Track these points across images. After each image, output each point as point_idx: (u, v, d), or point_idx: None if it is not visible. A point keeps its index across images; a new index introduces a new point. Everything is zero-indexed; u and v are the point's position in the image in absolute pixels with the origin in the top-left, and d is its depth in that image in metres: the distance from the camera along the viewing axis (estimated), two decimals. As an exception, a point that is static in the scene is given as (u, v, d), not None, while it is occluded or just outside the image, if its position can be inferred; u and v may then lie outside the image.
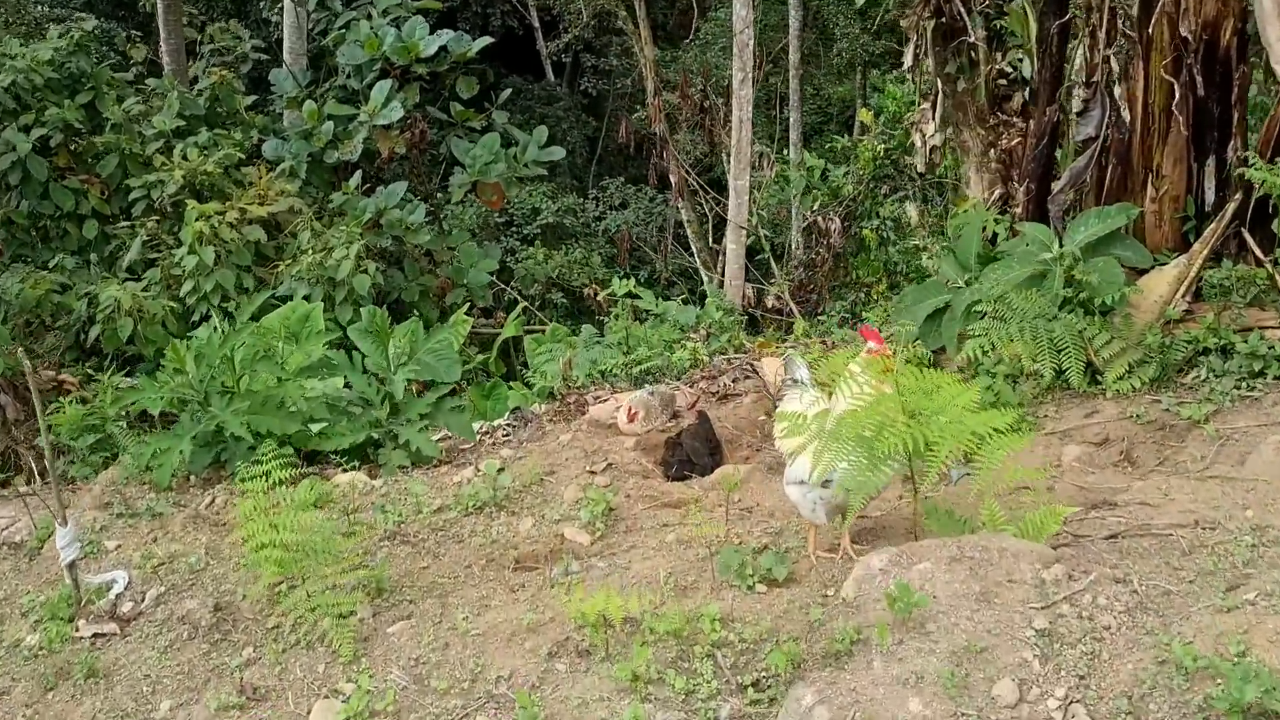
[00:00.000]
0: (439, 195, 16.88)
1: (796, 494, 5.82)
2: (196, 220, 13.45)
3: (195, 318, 13.71)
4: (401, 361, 8.69)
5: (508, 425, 10.21)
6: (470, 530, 7.05)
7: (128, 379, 13.26)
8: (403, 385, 8.46)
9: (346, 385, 8.96)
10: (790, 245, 18.68)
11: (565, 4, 24.04)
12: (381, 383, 8.56)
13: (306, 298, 13.59)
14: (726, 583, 5.77)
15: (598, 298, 14.12)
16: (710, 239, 22.42)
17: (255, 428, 8.12)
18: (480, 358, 15.04)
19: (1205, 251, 7.15)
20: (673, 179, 18.39)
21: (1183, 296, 7.11)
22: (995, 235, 8.33)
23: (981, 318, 7.42)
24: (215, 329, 9.40)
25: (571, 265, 20.64)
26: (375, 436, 8.60)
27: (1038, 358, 6.92)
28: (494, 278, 16.41)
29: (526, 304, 17.16)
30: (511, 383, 13.66)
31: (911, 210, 16.30)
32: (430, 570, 6.57)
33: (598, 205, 24.59)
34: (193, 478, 8.34)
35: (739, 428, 8.52)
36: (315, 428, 8.49)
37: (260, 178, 14.64)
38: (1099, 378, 7.08)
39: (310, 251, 13.94)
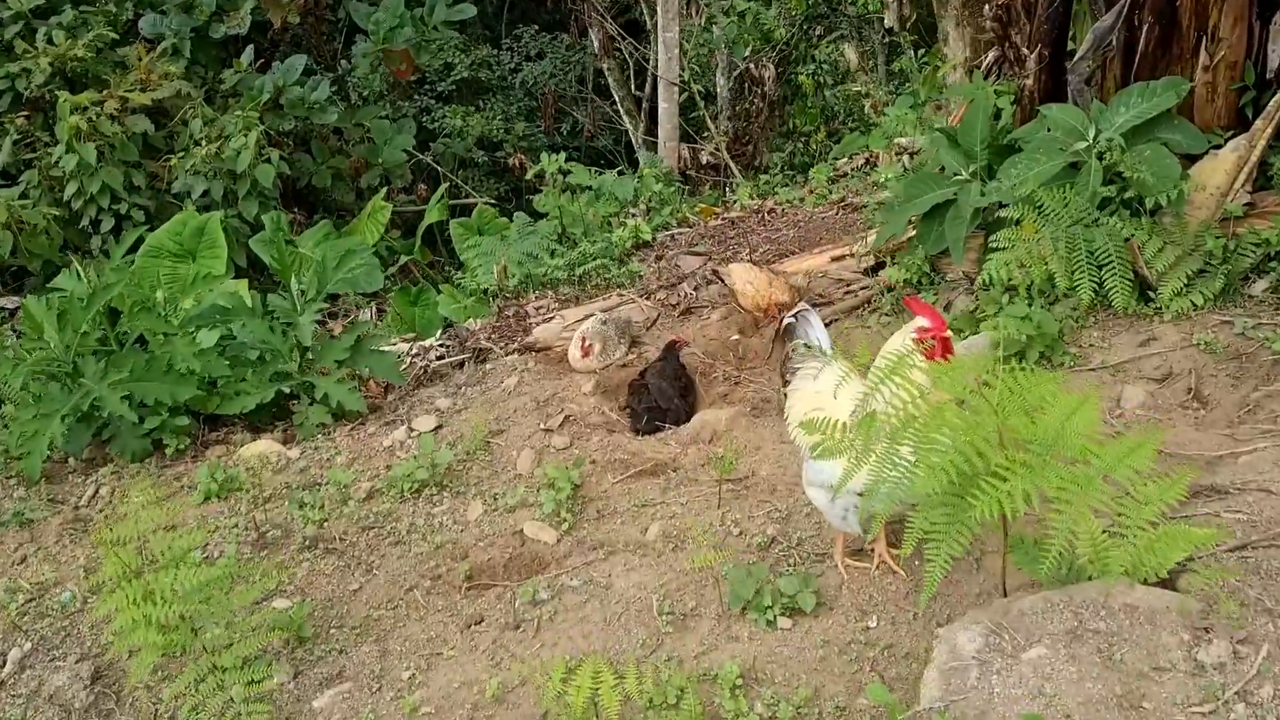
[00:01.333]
0: (343, 66, 14.83)
1: (821, 499, 4.34)
2: (72, 114, 11.43)
3: (84, 223, 11.84)
4: (310, 297, 7.02)
5: (441, 347, 8.64)
6: (409, 526, 5.54)
7: (13, 298, 11.48)
8: (311, 329, 6.81)
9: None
10: (719, 95, 16.87)
11: None
12: (289, 326, 6.90)
13: (206, 193, 11.80)
14: (738, 613, 4.36)
15: (527, 175, 12.37)
16: (632, 86, 20.56)
17: (141, 397, 6.50)
18: (404, 244, 13.31)
19: (1270, 129, 5.66)
20: (594, 36, 16.46)
21: (1243, 187, 5.64)
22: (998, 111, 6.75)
23: (1004, 226, 5.93)
24: (79, 276, 7.58)
25: (492, 124, 18.73)
26: (287, 391, 7.00)
27: (1075, 274, 5.46)
28: (413, 150, 14.57)
29: (451, 178, 15.33)
30: (441, 284, 12.00)
31: (849, 52, 14.58)
32: (363, 594, 5.07)
33: (513, 57, 22.44)
34: (71, 460, 6.72)
35: (710, 353, 7.00)
36: (218, 384, 6.90)
37: (140, 59, 12.53)
38: (1150, 295, 5.62)
39: (204, 142, 12.00)
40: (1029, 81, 6.51)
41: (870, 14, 14.65)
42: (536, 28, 22.78)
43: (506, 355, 8.05)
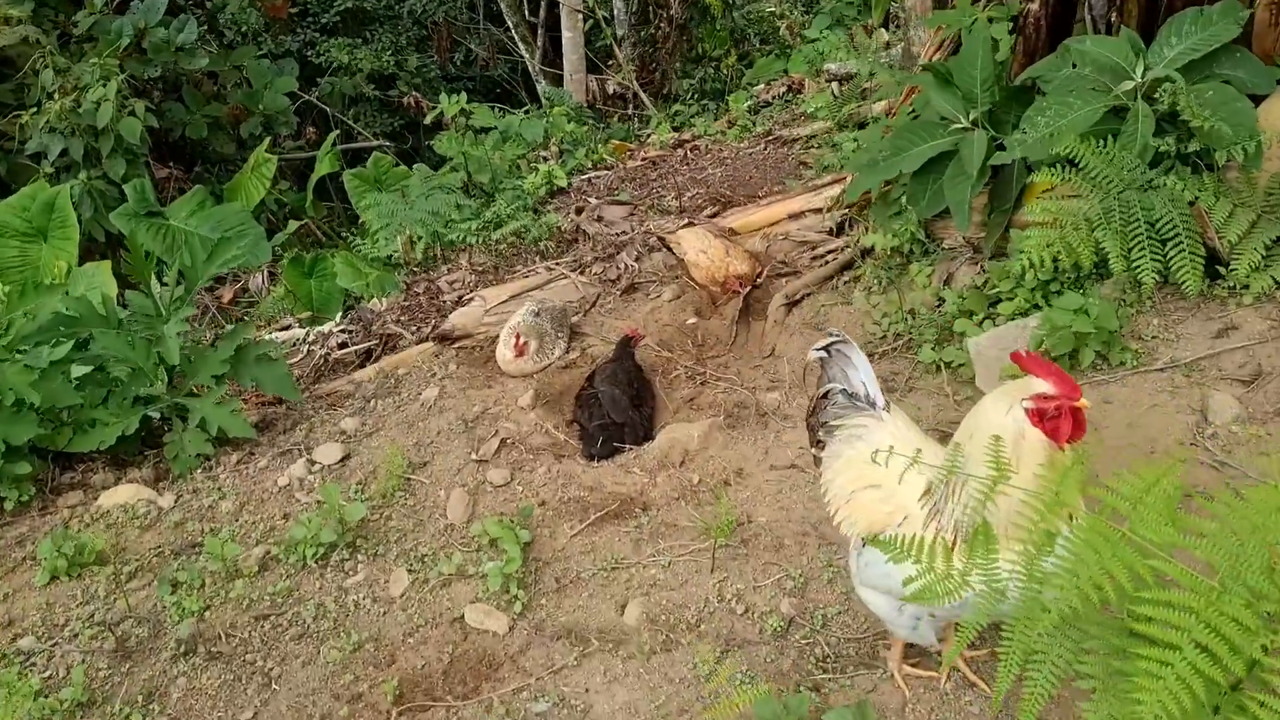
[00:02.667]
0: (213, 3, 12.92)
1: (883, 606, 3.01)
2: (-97, 71, 9.59)
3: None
4: (178, 295, 5.48)
5: (342, 333, 7.15)
6: (316, 609, 4.11)
7: None
8: (179, 343, 5.26)
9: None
10: (615, 20, 15.26)
11: None
12: (152, 339, 5.34)
13: (65, 153, 10.01)
14: (773, 761, 3.05)
15: (425, 119, 10.77)
16: (526, 12, 18.83)
17: (-31, 442, 4.96)
18: (295, 198, 11.62)
19: (1351, 58, 4.42)
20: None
21: (1320, 128, 4.41)
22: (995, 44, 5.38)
23: (1033, 190, 4.62)
24: (-114, 293, 5.91)
25: (381, 58, 16.92)
26: (155, 416, 5.48)
27: (1135, 251, 4.18)
28: (298, 91, 12.81)
29: (342, 119, 13.61)
30: (339, 244, 10.41)
31: (761, -30, 13.07)
32: (259, 724, 3.68)
33: (398, -17, 20.42)
34: (-114, 524, 5.16)
35: (665, 343, 5.62)
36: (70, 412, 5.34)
37: (-21, 6, 10.63)
38: (1220, 271, 4.36)
39: (58, 95, 10.17)
40: (1034, 5, 5.15)
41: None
42: (423, -48, 20.81)
43: (420, 343, 6.61)
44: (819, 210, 6.28)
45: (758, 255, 6.09)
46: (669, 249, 6.20)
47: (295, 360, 7.12)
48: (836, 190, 6.37)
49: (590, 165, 10.26)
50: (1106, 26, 4.96)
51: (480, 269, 7.24)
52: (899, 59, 9.23)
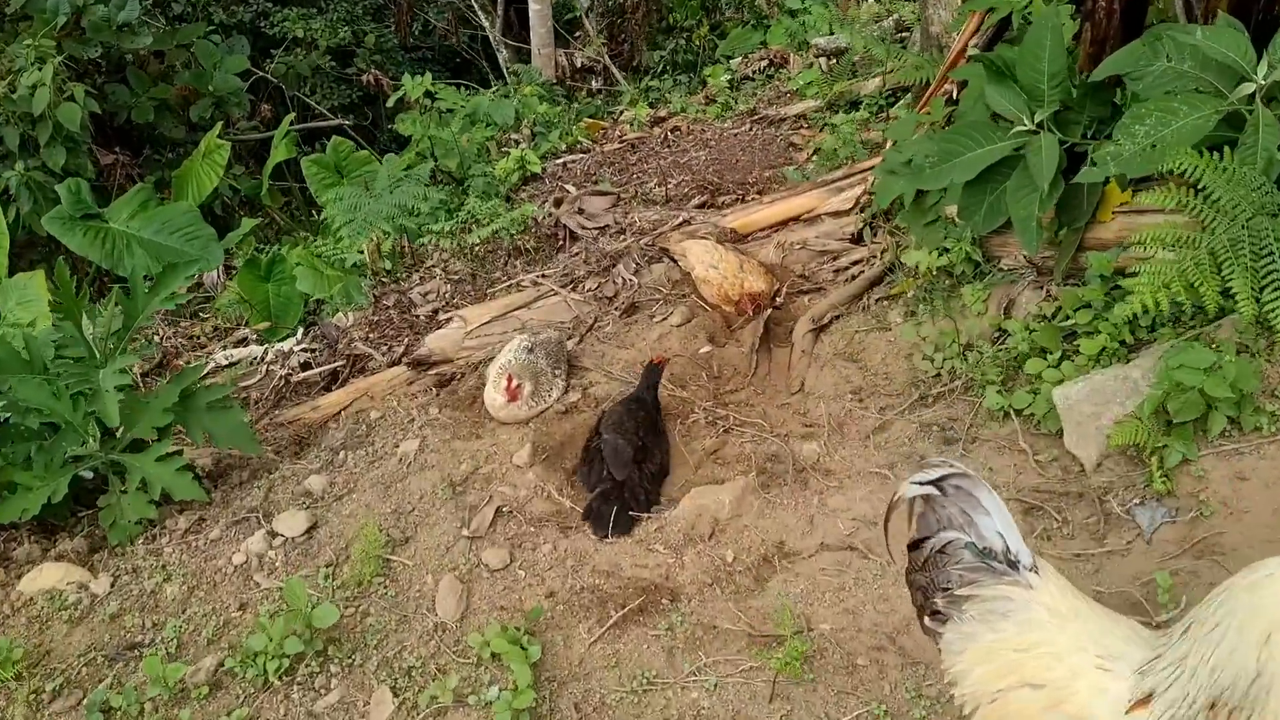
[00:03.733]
0: None
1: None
2: None
3: None
4: (115, 330, 4.50)
5: (304, 351, 6.20)
6: (281, 752, 3.24)
7: None
8: (115, 398, 4.28)
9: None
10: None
11: None
12: (84, 392, 4.36)
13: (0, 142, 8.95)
14: None
15: (387, 102, 9.73)
16: (486, -20, 17.67)
17: None
18: (250, 185, 10.55)
19: None
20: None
21: None
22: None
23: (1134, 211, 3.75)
24: None
25: (338, 32, 15.76)
26: (88, 476, 4.52)
27: (1267, 292, 3.33)
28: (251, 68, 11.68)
29: (301, 95, 12.50)
30: (299, 237, 9.38)
31: (735, -63, 12.05)
32: None
33: (352, -49, 19.16)
34: None
35: (678, 377, 4.69)
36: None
37: (-102, -17, 9.46)
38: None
39: (-9, 81, 9.08)
40: (1104, -15, 4.25)
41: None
42: (375, -82, 19.52)
43: (392, 365, 5.68)
44: (834, 211, 5.37)
45: (773, 269, 5.20)
46: (673, 261, 5.29)
47: (252, 382, 6.17)
48: (856, 190, 5.47)
49: (564, 148, 9.29)
50: (1202, 13, 4.07)
51: (456, 277, 6.29)
52: (891, 32, 8.31)
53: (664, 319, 4.98)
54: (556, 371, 4.61)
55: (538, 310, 5.38)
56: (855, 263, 5.09)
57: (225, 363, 6.49)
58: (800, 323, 4.75)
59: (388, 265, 6.46)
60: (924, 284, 4.50)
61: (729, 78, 10.20)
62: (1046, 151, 3.98)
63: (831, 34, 8.79)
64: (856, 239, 5.25)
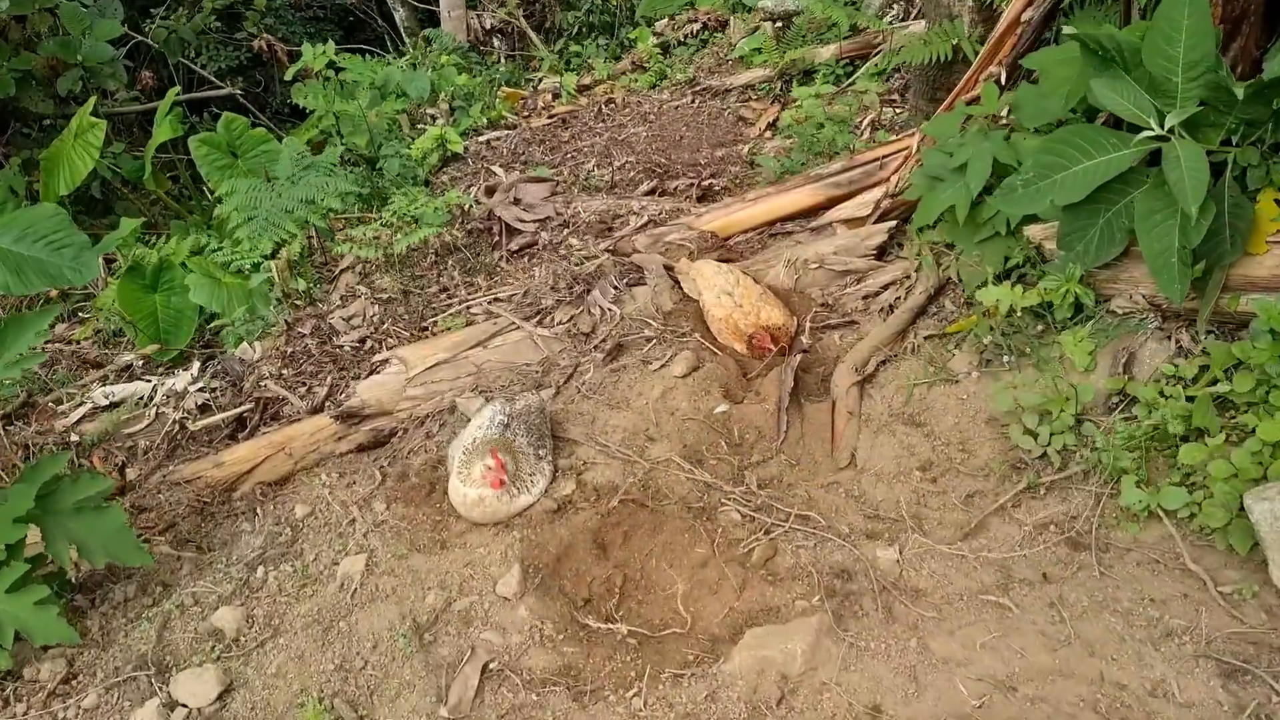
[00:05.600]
0: None
1: None
2: None
3: None
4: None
5: (201, 391, 4.81)
6: None
7: None
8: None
9: None
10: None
11: None
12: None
13: None
14: None
15: (284, 74, 8.18)
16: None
17: None
18: (131, 168, 8.89)
19: None
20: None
21: None
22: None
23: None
24: None
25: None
26: (-87, 620, 3.14)
27: None
28: (126, 35, 9.91)
29: (185, 62, 10.76)
30: (187, 229, 7.82)
31: (654, -112, 10.60)
32: None
33: (232, -98, 17.09)
34: None
35: (692, 449, 3.43)
36: None
37: None
38: None
39: None
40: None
41: None
42: None
43: (314, 413, 4.36)
44: (848, 218, 4.18)
45: (787, 294, 3.98)
46: (675, 280, 4.03)
47: (139, 429, 4.79)
48: (871, 192, 4.27)
49: (487, 124, 7.91)
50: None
51: (385, 295, 4.94)
52: (881, 4, 7.07)
53: (662, 365, 3.71)
54: (541, 451, 3.33)
55: (496, 349, 4.09)
56: (886, 286, 3.90)
57: (106, 401, 5.07)
58: (839, 372, 3.55)
59: (301, 284, 5.05)
60: (1001, 325, 3.33)
61: (657, 42, 8.88)
62: (1189, 165, 2.82)
63: (783, -4, 7.52)
64: (880, 252, 4.06)
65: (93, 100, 8.31)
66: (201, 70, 11.22)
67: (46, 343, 7.25)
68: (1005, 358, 3.29)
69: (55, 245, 5.62)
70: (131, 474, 4.58)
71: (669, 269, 4.16)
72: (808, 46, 7.06)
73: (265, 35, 9.99)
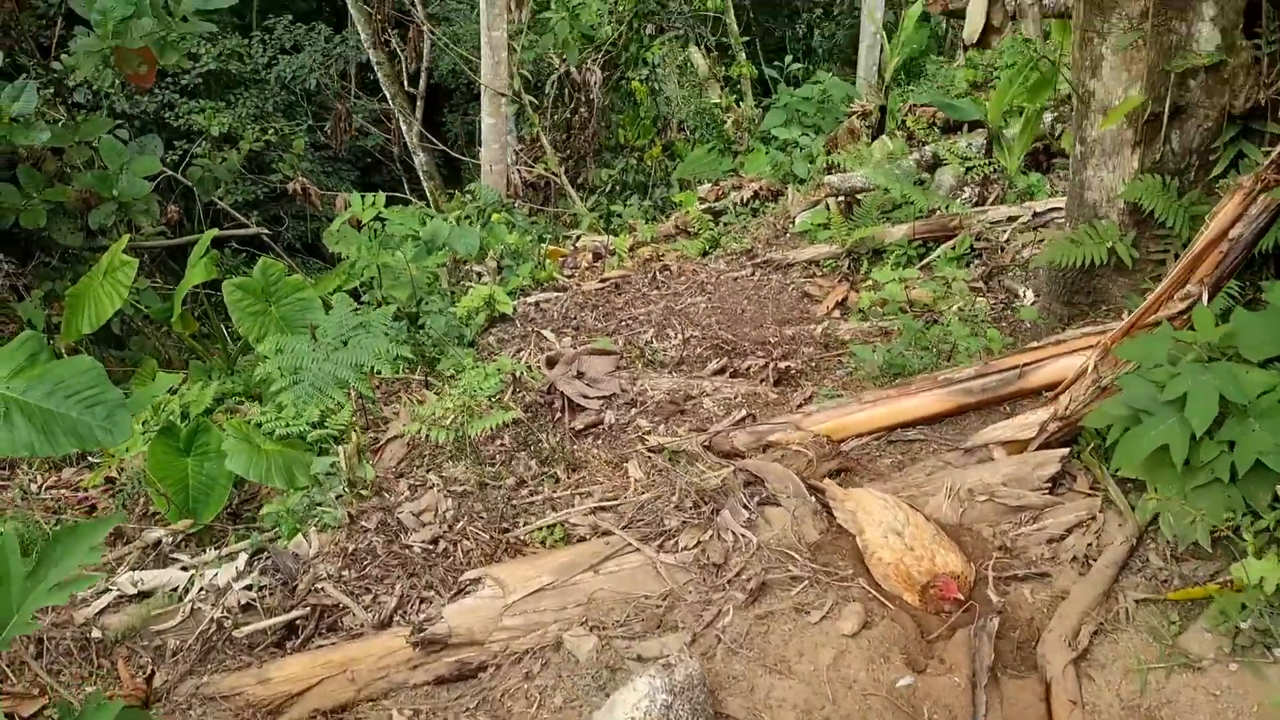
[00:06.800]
0: (59, 67, 9.23)
1: None
2: None
3: None
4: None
5: (248, 590, 4.02)
6: None
7: None
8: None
9: None
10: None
11: None
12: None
13: None
14: None
15: (333, 225, 7.56)
16: (405, 83, 15.63)
17: None
18: (159, 309, 8.19)
19: None
20: (362, 26, 11.57)
21: None
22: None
23: None
24: None
25: (262, 133, 13.50)
26: None
27: None
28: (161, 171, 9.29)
29: (214, 199, 10.15)
30: (210, 371, 7.11)
31: (698, 57, 10.31)
32: None
33: (265, 49, 16.88)
34: None
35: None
36: None
37: None
38: None
39: None
40: None
41: (707, 11, 10.40)
42: (291, 18, 17.27)
43: (381, 628, 3.60)
44: (1008, 440, 3.52)
45: (957, 532, 3.28)
46: (827, 509, 3.32)
47: (171, 625, 4.02)
48: (1034, 413, 3.63)
49: (535, 284, 7.31)
50: None
51: (459, 488, 4.20)
52: (952, 186, 6.58)
53: (824, 616, 2.98)
54: (705, 741, 2.57)
55: (609, 576, 3.35)
56: (1070, 529, 3.21)
57: (134, 590, 4.26)
58: (1049, 645, 2.84)
59: (369, 473, 4.30)
60: (1262, 605, 2.64)
61: (704, 207, 8.38)
62: None
63: (846, 170, 7.02)
64: (1056, 485, 3.38)
65: (126, 238, 7.67)
66: (230, 208, 10.61)
67: (49, 487, 6.45)
68: (1276, 649, 2.59)
69: (87, 403, 4.91)
70: (158, 680, 3.80)
71: (813, 489, 3.46)
72: (877, 225, 6.53)
73: (301, 179, 9.41)
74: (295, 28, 16.87)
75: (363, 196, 7.21)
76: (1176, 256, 3.76)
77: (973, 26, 3.77)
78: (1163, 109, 3.85)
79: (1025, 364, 3.96)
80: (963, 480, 3.43)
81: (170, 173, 9.91)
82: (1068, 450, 3.45)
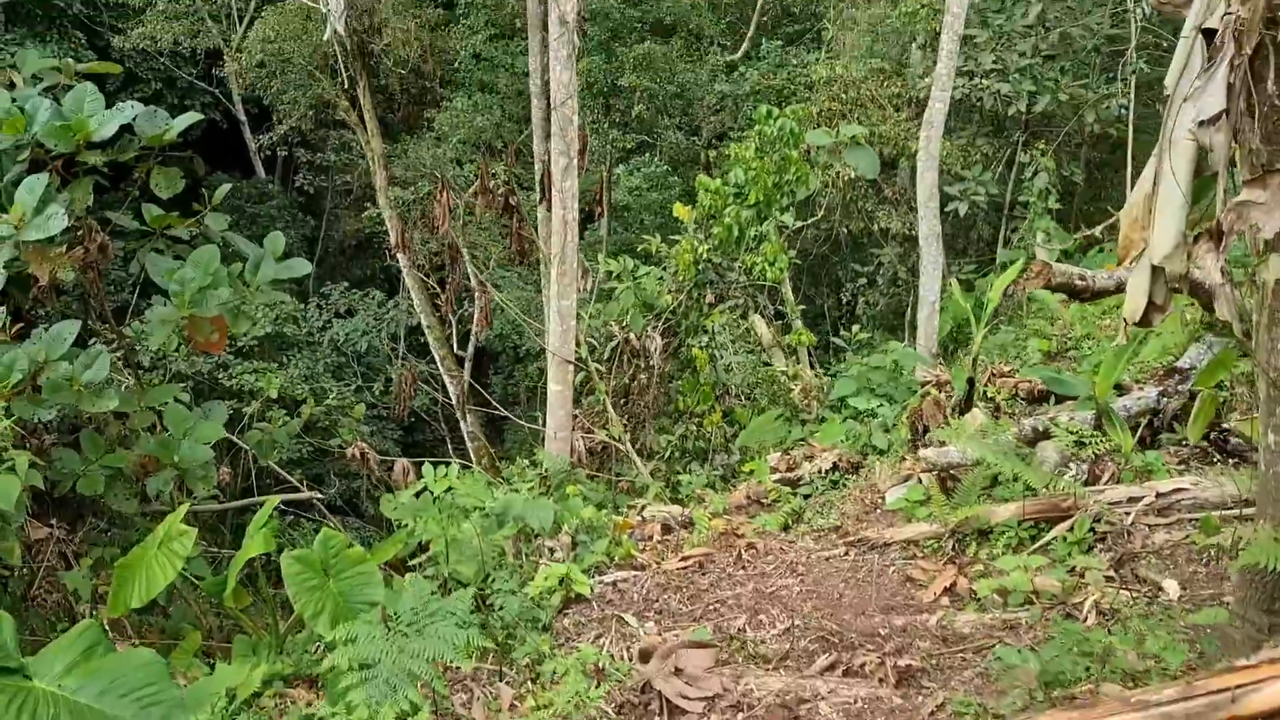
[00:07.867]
0: (130, 334, 9.05)
1: None
2: None
3: None
4: None
5: None
6: None
7: None
8: None
9: None
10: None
11: (277, 95, 16.29)
12: None
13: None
14: None
15: (402, 496, 7.06)
16: (455, 345, 15.67)
17: None
18: (211, 583, 7.57)
19: None
20: (414, 292, 11.55)
21: None
22: None
23: None
24: None
25: (296, 385, 13.34)
26: None
27: None
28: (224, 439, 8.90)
29: (270, 465, 9.73)
30: (276, 691, 6.39)
31: (761, 325, 10.12)
32: None
33: (320, 313, 17.09)
34: None
35: None
36: None
37: None
38: None
39: (-95, 450, 6.26)
40: None
41: (765, 281, 10.29)
42: (346, 284, 17.61)
43: None
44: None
45: None
46: None
47: None
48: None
49: (610, 561, 6.71)
50: None
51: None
52: (1056, 462, 6.09)
53: None
54: None
55: None
56: None
57: None
58: None
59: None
60: None
61: (778, 478, 7.89)
62: None
63: (943, 444, 6.55)
64: None
65: (185, 506, 7.15)
66: (284, 472, 10.19)
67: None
68: None
69: (144, 702, 4.27)
70: None
71: None
72: (982, 504, 5.99)
73: (360, 443, 9.01)
74: (351, 293, 17.15)
75: (434, 465, 6.75)
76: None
77: (1134, 304, 3.48)
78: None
79: (1238, 686, 3.32)
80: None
81: (231, 437, 9.57)
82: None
